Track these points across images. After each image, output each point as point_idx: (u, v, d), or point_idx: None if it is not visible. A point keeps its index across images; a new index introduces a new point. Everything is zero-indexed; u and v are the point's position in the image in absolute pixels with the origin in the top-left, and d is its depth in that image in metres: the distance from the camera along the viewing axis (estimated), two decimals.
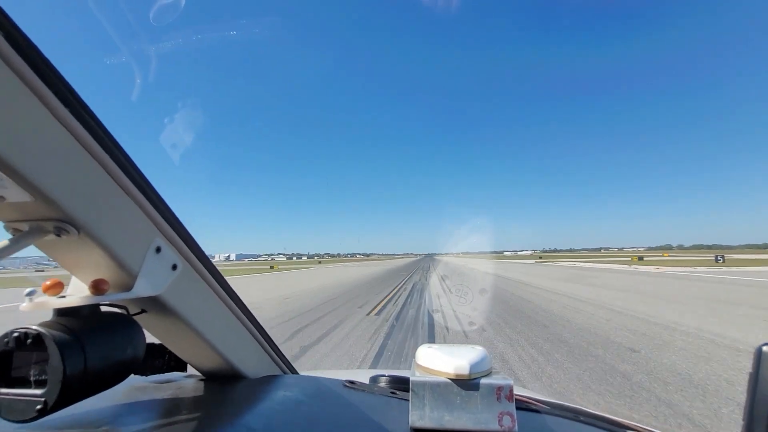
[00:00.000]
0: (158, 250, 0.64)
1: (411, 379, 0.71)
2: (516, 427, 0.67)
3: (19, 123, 0.41)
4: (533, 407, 0.87)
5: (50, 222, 0.49)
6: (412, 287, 16.95)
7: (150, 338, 0.72)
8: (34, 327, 0.50)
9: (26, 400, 0.49)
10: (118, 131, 0.53)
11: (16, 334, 0.50)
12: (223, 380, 0.90)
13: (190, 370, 0.90)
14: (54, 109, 0.45)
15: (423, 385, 0.70)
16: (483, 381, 0.69)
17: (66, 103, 0.46)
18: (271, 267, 64.26)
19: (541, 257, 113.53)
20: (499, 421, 0.67)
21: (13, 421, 0.49)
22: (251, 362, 0.94)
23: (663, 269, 28.33)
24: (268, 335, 1.02)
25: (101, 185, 0.53)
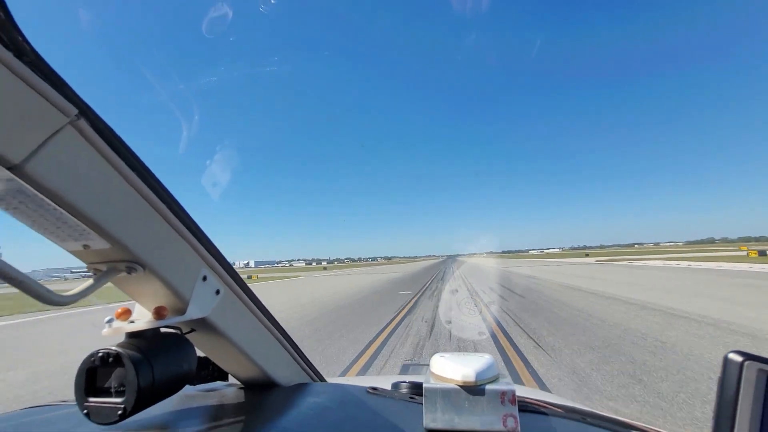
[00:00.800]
0: (204, 278, 0.75)
1: (424, 385, 0.79)
2: (519, 428, 0.73)
3: (101, 190, 0.54)
4: (540, 410, 0.91)
5: (123, 263, 0.61)
6: None
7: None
8: (114, 348, 0.62)
9: (110, 407, 0.61)
10: (168, 178, 0.66)
11: (100, 354, 0.62)
12: (259, 388, 1.01)
13: (231, 379, 1.01)
14: (125, 175, 0.58)
15: (435, 391, 0.77)
16: (488, 387, 0.76)
17: (133, 168, 0.58)
18: (249, 277, 50.64)
19: (587, 254, 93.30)
20: (503, 422, 0.73)
21: (100, 424, 0.62)
22: (284, 372, 1.04)
23: None
24: (298, 347, 1.12)
25: (161, 231, 0.66)
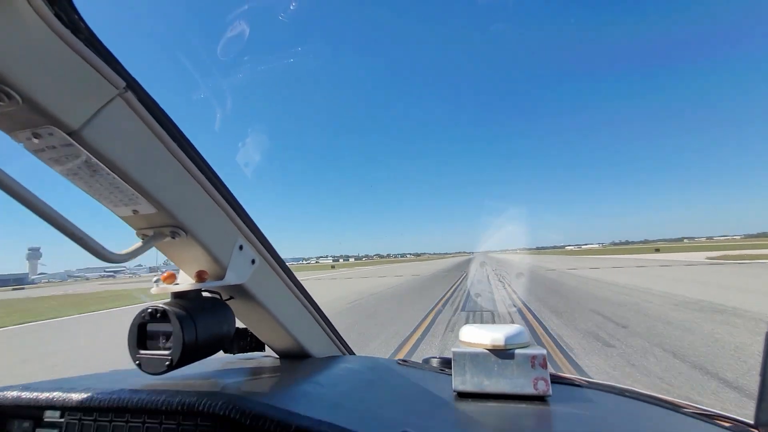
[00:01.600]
0: (241, 247, 0.80)
1: (453, 349, 0.80)
2: (550, 391, 0.74)
3: (147, 157, 0.60)
4: (575, 383, 0.91)
5: (167, 228, 0.67)
6: None
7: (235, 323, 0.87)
8: (161, 305, 0.68)
9: (158, 358, 0.67)
10: (205, 152, 0.72)
11: (149, 310, 0.68)
12: (293, 359, 1.07)
13: (268, 351, 1.08)
14: (168, 146, 0.64)
15: (464, 355, 0.78)
16: (518, 351, 0.76)
17: (175, 139, 0.64)
18: None
19: (658, 249, 70.94)
20: (534, 385, 0.73)
21: (150, 374, 0.68)
22: (317, 344, 1.10)
23: None
24: (330, 322, 1.17)
25: (201, 199, 0.71)
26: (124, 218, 0.68)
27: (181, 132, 0.66)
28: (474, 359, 0.77)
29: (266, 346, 1.06)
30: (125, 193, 0.60)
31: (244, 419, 0.66)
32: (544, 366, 0.74)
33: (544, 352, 0.75)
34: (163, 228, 0.68)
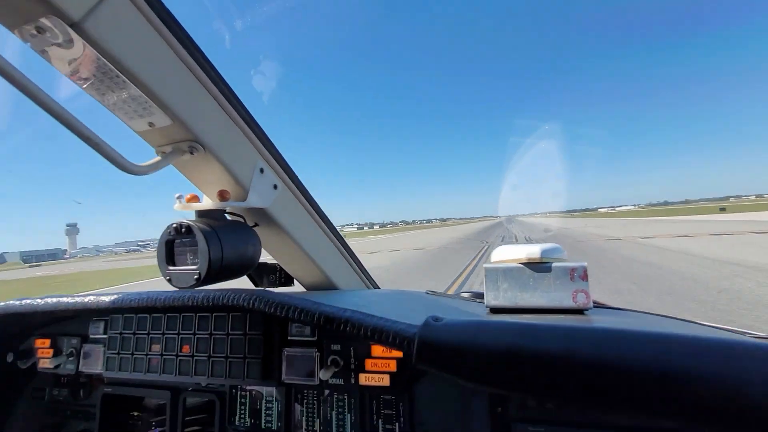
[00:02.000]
0: (262, 170, 0.80)
1: (484, 265, 0.77)
2: (591, 304, 0.70)
3: (154, 58, 0.59)
4: (614, 307, 0.89)
5: (185, 143, 0.67)
6: None
7: (264, 260, 0.90)
8: (185, 221, 0.70)
9: (187, 273, 0.69)
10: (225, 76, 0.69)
11: (174, 225, 0.70)
12: (322, 292, 1.08)
13: (297, 286, 1.09)
14: (176, 50, 0.62)
15: (496, 270, 0.75)
16: (556, 264, 0.72)
17: (184, 45, 0.63)
18: None
19: (723, 209, 58.32)
20: (573, 298, 0.70)
21: (180, 288, 0.71)
22: (344, 278, 1.10)
23: None
24: (357, 257, 1.16)
25: (215, 112, 0.70)
26: (141, 133, 0.67)
27: (191, 39, 0.63)
28: (508, 273, 0.73)
29: (295, 281, 1.08)
30: (138, 102, 0.60)
31: (268, 308, 0.68)
32: (585, 278, 0.69)
33: (585, 264, 0.71)
34: (180, 143, 0.67)
